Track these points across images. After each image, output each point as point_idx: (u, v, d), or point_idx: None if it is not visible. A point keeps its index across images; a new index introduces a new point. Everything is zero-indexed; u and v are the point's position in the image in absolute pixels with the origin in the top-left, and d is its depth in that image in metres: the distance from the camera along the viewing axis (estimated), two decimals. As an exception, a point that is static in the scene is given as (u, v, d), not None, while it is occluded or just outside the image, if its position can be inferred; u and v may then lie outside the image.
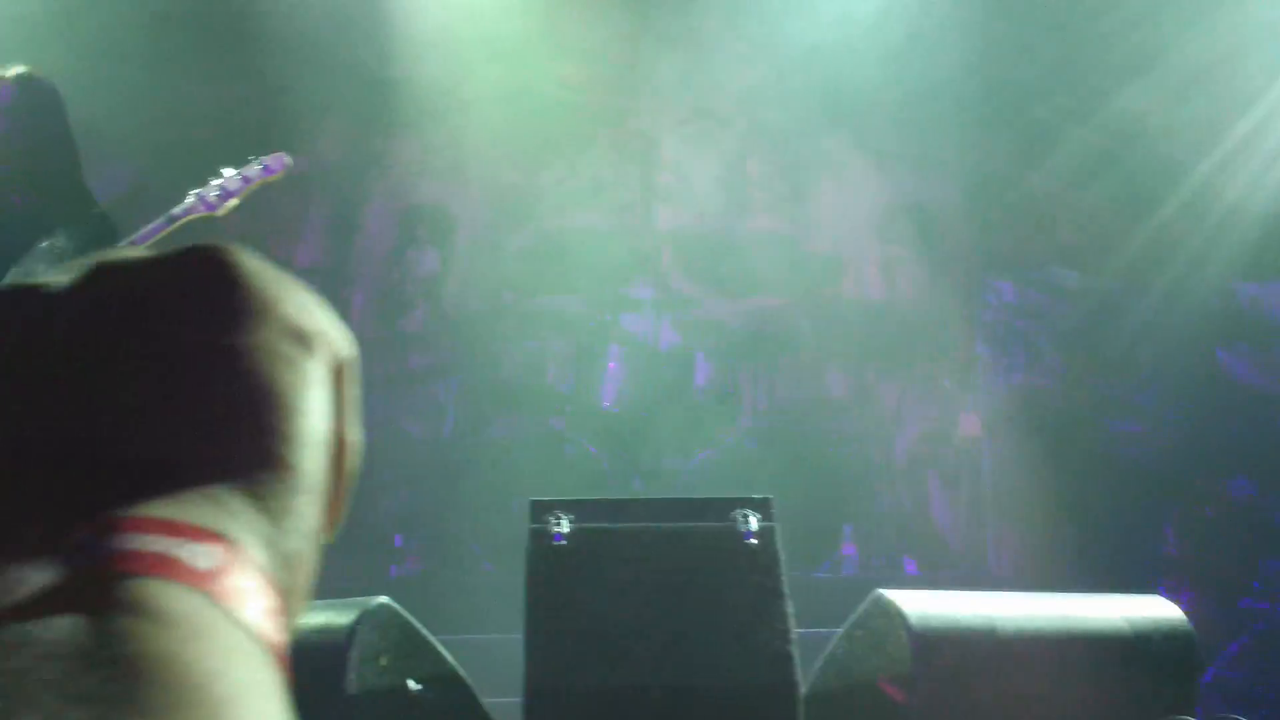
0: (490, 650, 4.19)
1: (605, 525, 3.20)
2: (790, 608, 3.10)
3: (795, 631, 3.06)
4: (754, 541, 3.13)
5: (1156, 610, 3.45)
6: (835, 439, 7.64)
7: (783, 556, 3.16)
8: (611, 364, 7.68)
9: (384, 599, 2.98)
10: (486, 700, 3.37)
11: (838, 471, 7.46)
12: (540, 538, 3.16)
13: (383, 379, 7.74)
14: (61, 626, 0.49)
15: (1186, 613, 7.00)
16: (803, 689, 3.08)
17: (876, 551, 7.28)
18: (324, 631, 2.80)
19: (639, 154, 8.26)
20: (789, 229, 8.12)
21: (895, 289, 8.16)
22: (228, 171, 4.04)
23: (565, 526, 3.17)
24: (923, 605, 3.25)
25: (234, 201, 4.02)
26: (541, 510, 3.24)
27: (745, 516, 3.17)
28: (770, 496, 3.24)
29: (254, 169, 4.03)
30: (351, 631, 2.81)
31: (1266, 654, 7.02)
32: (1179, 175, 7.36)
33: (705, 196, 8.12)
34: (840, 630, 3.44)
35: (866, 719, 3.28)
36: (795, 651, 3.02)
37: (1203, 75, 7.23)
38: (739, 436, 7.65)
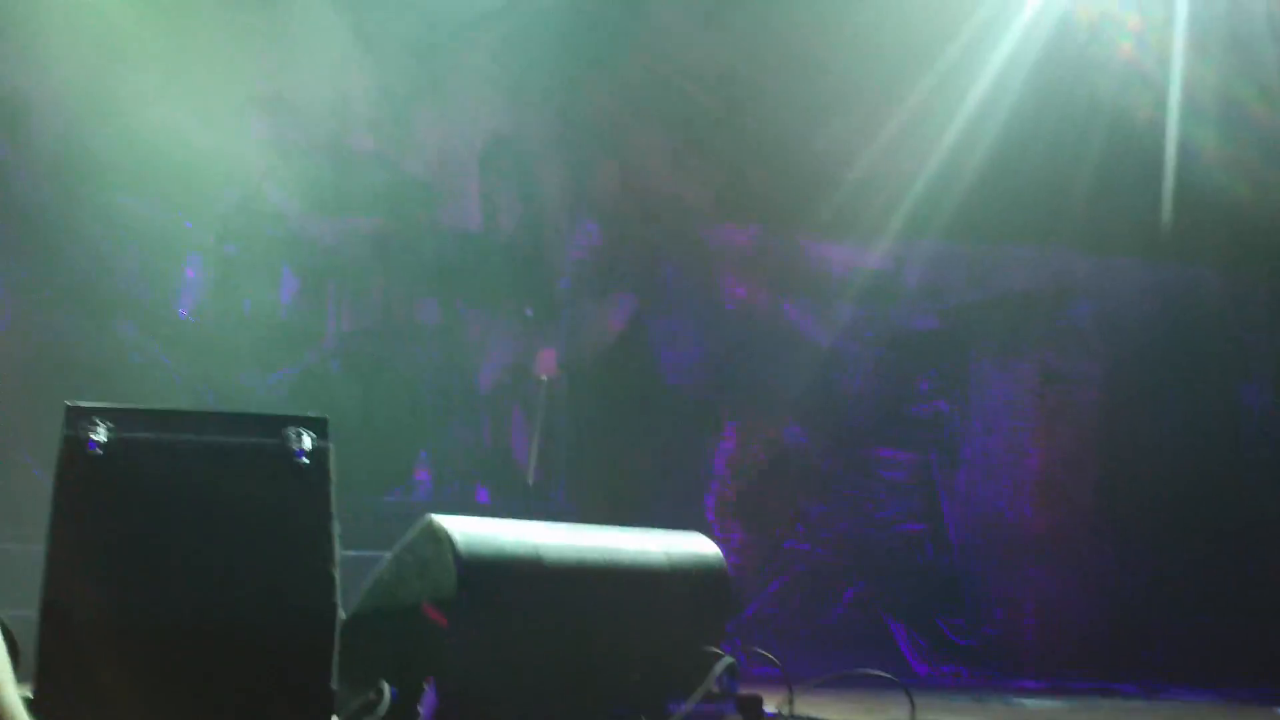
0: (35, 561, 3.93)
1: (146, 435, 3.03)
2: (337, 529, 3.04)
3: (339, 553, 3.01)
4: (305, 461, 3.05)
5: (695, 546, 3.62)
6: (419, 365, 7.60)
7: (334, 478, 3.10)
8: (190, 272, 7.33)
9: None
10: (12, 613, 3.15)
11: (419, 398, 7.44)
12: (73, 445, 2.96)
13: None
14: None
15: (736, 551, 7.44)
16: (347, 611, 3.05)
17: (450, 479, 7.31)
18: None
19: (237, 59, 7.86)
20: (389, 151, 7.96)
21: (492, 221, 8.15)
22: None
23: (102, 435, 2.98)
24: (471, 532, 3.27)
25: None
26: (77, 416, 3.02)
27: (298, 435, 3.08)
28: (325, 416, 3.16)
29: None
30: None
31: (803, 592, 7.56)
32: (769, 135, 7.70)
33: (304, 109, 7.83)
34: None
35: (410, 642, 3.28)
36: (337, 574, 2.97)
37: (807, 45, 7.57)
38: (322, 357, 7.49)
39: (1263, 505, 7.65)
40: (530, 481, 7.20)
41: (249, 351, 7.29)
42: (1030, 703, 5.41)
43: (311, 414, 3.19)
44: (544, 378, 7.08)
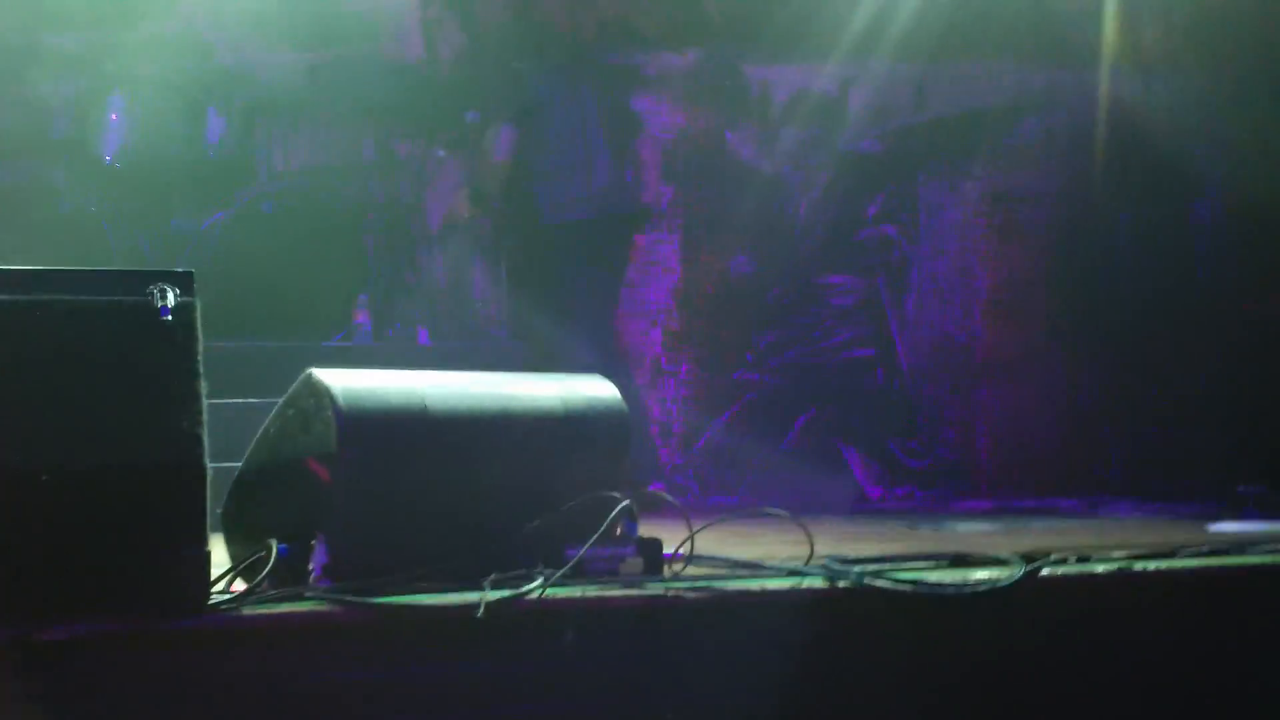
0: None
1: (4, 297, 2.92)
2: (204, 388, 2.95)
3: (206, 413, 2.92)
4: (169, 318, 2.94)
5: (593, 390, 3.53)
6: (356, 204, 7.44)
7: (201, 334, 2.99)
8: (113, 115, 7.12)
9: None
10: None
11: (356, 239, 7.31)
12: (-73, 309, 2.84)
13: None
14: None
15: (686, 383, 7.37)
16: (212, 469, 2.96)
17: (391, 321, 7.21)
18: None
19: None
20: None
21: (433, 52, 7.88)
22: None
23: (-40, 297, 2.87)
24: (353, 384, 3.19)
25: None
26: (-67, 279, 2.91)
27: (162, 291, 2.96)
28: (192, 271, 3.04)
29: None
30: None
31: (752, 422, 7.54)
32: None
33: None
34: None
35: (296, 498, 3.22)
36: (204, 434, 2.88)
37: None
38: (255, 198, 7.34)
39: (1214, 323, 7.56)
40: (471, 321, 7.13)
41: (180, 195, 7.15)
42: (961, 526, 5.41)
43: (180, 269, 3.06)
44: (461, 216, 6.93)
